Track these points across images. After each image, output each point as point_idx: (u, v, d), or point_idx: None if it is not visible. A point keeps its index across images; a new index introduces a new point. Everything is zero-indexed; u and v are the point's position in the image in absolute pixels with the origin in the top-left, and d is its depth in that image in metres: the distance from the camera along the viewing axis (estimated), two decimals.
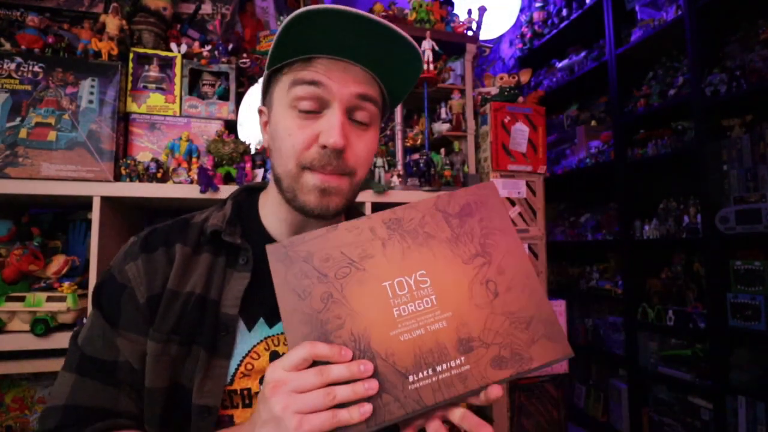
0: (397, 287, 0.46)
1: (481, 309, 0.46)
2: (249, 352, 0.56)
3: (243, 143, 1.32)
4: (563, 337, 0.46)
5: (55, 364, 1.13)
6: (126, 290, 0.56)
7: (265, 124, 0.61)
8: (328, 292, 0.45)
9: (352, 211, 0.71)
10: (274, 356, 0.57)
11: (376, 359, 0.43)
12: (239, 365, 0.56)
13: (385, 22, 0.50)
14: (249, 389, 0.56)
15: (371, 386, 0.42)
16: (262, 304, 0.58)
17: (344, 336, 0.44)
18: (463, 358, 0.44)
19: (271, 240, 0.61)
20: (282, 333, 0.58)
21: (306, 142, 0.53)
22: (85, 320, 1.13)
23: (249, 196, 0.66)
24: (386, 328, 0.45)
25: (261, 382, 0.57)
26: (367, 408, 0.42)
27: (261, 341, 0.57)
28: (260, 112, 0.63)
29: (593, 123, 2.56)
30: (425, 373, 0.43)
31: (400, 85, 0.59)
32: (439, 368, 0.44)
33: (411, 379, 0.43)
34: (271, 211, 0.62)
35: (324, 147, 0.52)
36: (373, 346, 0.44)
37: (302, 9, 0.48)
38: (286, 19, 0.49)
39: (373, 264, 0.47)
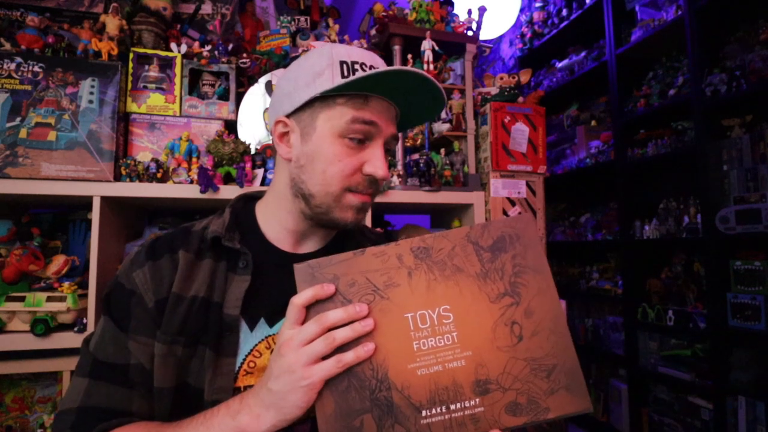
0: (420, 320, 0.46)
1: (503, 352, 0.45)
2: (251, 350, 0.59)
3: (243, 143, 1.32)
4: (584, 391, 0.45)
5: (55, 364, 1.13)
6: (134, 296, 0.58)
7: (282, 135, 0.63)
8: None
9: None
10: None
11: (392, 390, 0.44)
12: (242, 363, 0.58)
13: (437, 82, 0.60)
14: (252, 386, 0.58)
15: (367, 323, 0.45)
16: (262, 305, 0.61)
17: (363, 363, 0.45)
18: (477, 400, 0.44)
19: (269, 245, 0.66)
20: None
21: (354, 168, 0.60)
22: (85, 320, 1.14)
23: (246, 204, 0.70)
24: (405, 361, 0.45)
25: None
26: (369, 346, 0.45)
27: (262, 340, 0.60)
28: (279, 122, 0.63)
29: (593, 123, 2.55)
30: (438, 409, 0.44)
31: (412, 123, 0.70)
32: (452, 407, 0.44)
33: (424, 413, 0.44)
34: (274, 219, 0.66)
35: (368, 175, 0.60)
36: (390, 377, 0.44)
37: (388, 68, 0.56)
38: (374, 71, 0.55)
39: (398, 293, 0.47)
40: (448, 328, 0.46)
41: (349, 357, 0.44)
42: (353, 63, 0.59)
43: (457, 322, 0.46)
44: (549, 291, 0.47)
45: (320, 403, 0.44)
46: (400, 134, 1.56)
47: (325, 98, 0.59)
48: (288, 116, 0.63)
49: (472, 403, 0.44)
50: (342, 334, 0.45)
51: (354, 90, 0.58)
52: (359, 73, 0.58)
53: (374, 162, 0.59)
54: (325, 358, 0.45)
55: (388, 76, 0.56)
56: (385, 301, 0.47)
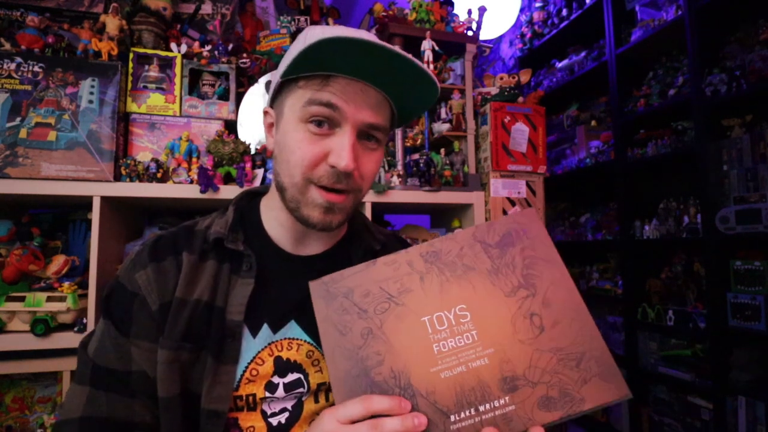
0: (437, 322, 0.45)
1: (526, 345, 0.44)
2: (254, 358, 0.57)
3: (243, 143, 1.32)
4: (619, 377, 0.42)
5: (55, 364, 1.13)
6: (137, 298, 0.55)
7: (270, 126, 0.62)
8: (368, 328, 0.45)
9: (355, 217, 0.71)
10: (278, 361, 0.58)
11: (416, 397, 0.42)
12: (245, 371, 0.56)
13: (410, 56, 0.51)
14: (254, 395, 0.57)
15: (421, 422, 0.41)
16: (265, 310, 0.58)
17: (384, 372, 0.43)
18: (507, 398, 0.42)
19: (272, 246, 0.63)
20: (286, 338, 0.59)
21: (315, 158, 0.53)
22: (85, 320, 1.14)
23: (250, 201, 0.67)
24: (426, 365, 0.43)
25: (266, 388, 0.57)
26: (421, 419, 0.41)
27: (265, 347, 0.58)
28: (266, 113, 0.63)
29: (593, 123, 2.55)
30: (468, 412, 0.42)
31: (412, 110, 0.61)
32: (482, 408, 0.42)
33: (453, 419, 0.42)
34: (274, 217, 0.63)
35: (333, 167, 0.53)
36: (413, 383, 0.43)
37: (326, 36, 0.48)
38: (309, 42, 0.48)
39: (412, 298, 0.46)
40: (466, 327, 0.45)
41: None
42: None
43: (475, 319, 0.45)
44: (564, 280, 0.46)
45: None
46: (399, 132, 1.57)
47: (290, 83, 0.55)
48: (271, 106, 0.61)
49: (502, 401, 0.42)
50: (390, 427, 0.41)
51: (314, 70, 0.52)
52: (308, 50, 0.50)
53: (338, 151, 0.52)
54: None
55: (341, 48, 0.48)
56: (400, 307, 0.46)
